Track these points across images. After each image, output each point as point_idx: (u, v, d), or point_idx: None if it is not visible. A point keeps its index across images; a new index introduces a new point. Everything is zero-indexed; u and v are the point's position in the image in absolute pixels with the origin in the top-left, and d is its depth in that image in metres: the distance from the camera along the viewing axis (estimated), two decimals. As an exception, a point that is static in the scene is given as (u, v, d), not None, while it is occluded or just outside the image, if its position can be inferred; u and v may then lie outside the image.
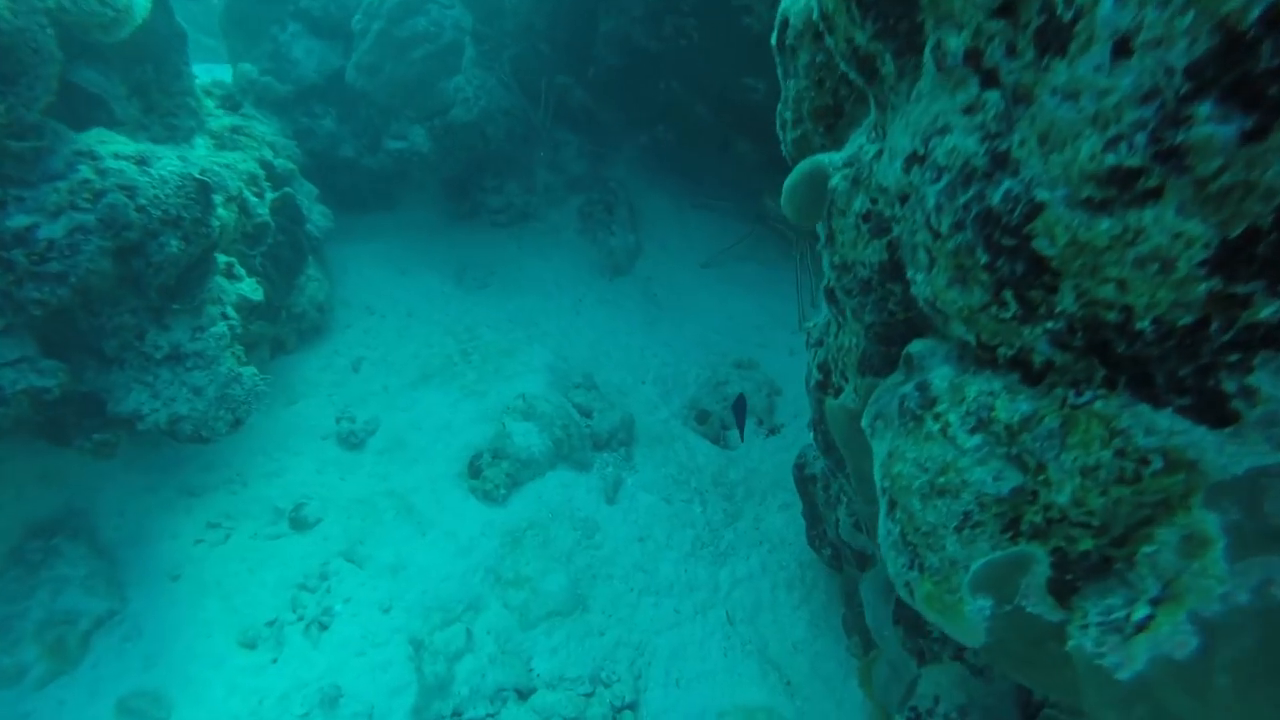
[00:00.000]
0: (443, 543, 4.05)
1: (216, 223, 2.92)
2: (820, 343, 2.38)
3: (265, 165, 4.24)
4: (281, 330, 4.32)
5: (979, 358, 1.50)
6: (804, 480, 3.80)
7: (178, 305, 2.98)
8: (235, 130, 4.26)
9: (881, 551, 1.67)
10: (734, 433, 5.17)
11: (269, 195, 4.04)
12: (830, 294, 2.13)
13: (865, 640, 3.65)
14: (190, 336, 3.06)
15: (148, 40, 3.75)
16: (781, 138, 2.46)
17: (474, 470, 4.35)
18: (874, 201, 1.77)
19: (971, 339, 1.48)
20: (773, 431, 5.20)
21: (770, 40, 2.53)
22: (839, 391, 2.24)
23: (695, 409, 5.22)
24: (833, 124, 2.23)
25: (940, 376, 1.55)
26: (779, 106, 2.45)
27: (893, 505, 1.60)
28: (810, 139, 2.27)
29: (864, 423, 1.79)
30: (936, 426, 1.50)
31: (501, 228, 6.15)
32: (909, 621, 2.78)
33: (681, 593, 4.20)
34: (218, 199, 3.06)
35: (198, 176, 2.82)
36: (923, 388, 1.57)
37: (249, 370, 3.26)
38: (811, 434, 2.86)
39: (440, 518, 4.15)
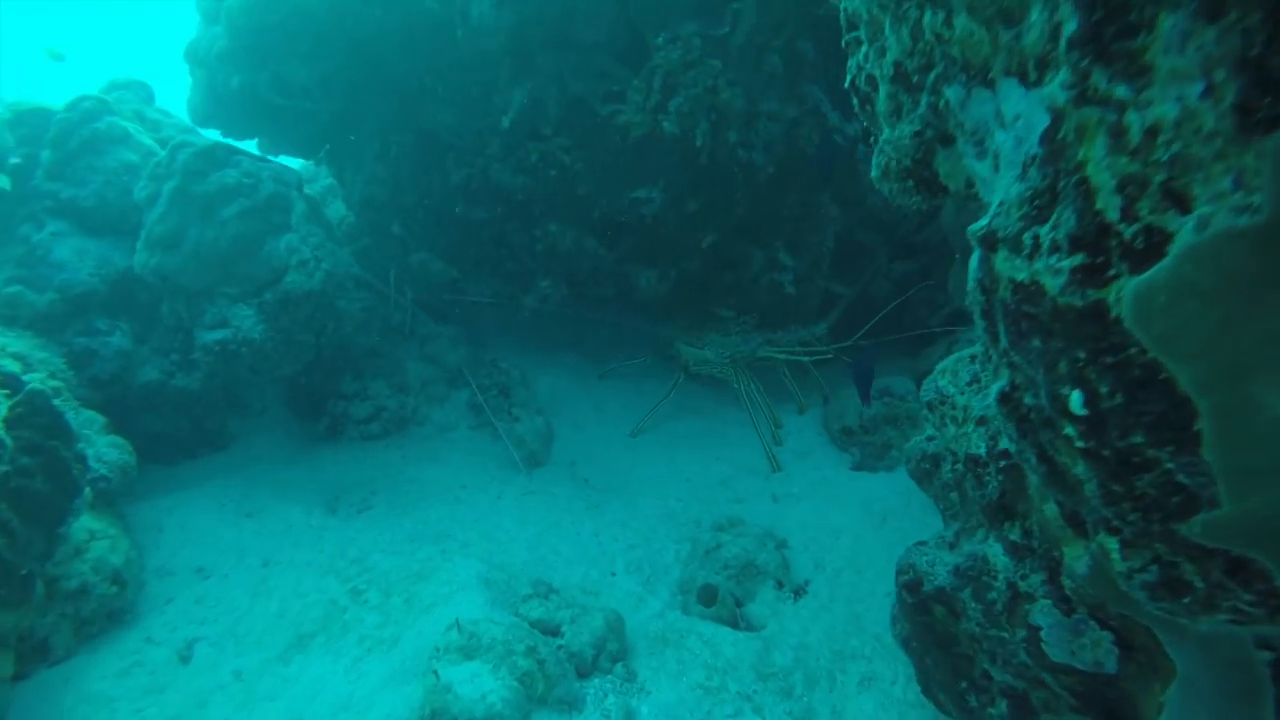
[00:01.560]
0: None
1: None
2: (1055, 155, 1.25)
3: (3, 376, 2.82)
4: (40, 621, 2.66)
5: None
6: (923, 606, 2.46)
7: None
8: (-47, 338, 2.87)
9: None
10: (755, 607, 3.75)
11: (2, 404, 2.60)
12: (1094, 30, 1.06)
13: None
14: None
15: None
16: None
17: (403, 762, 2.65)
18: None
19: None
20: (800, 593, 3.83)
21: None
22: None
23: (693, 589, 3.79)
24: None
25: None
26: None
27: None
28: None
29: None
30: None
31: (376, 440, 4.77)
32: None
33: None
34: None
35: None
36: None
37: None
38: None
39: None
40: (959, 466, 2.29)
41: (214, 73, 4.83)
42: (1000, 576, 2.12)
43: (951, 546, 2.43)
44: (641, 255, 4.98)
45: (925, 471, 2.80)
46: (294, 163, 8.04)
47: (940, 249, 5.74)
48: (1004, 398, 1.56)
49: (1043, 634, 1.97)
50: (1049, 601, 1.95)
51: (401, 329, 5.41)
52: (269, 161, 3.91)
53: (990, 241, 1.39)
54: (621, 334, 6.53)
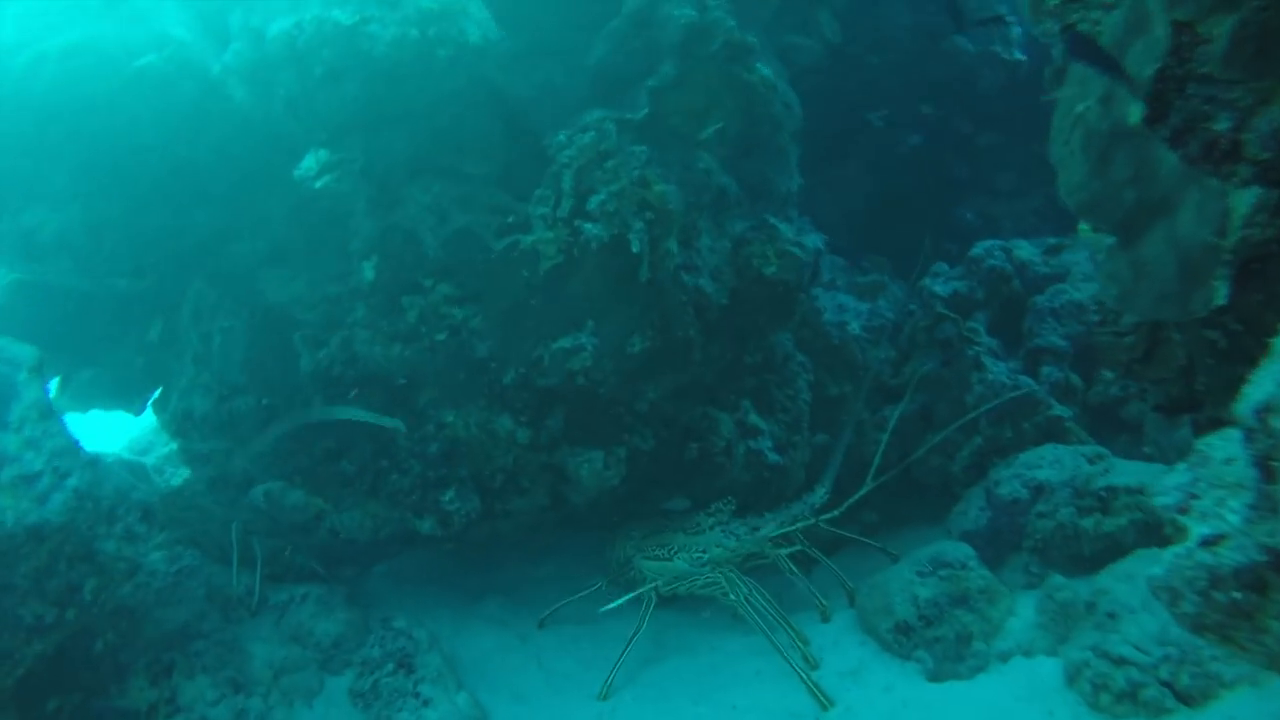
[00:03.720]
0: None
1: None
2: None
3: None
4: None
5: None
6: None
7: None
8: None
9: None
10: None
11: None
12: None
13: None
14: None
15: None
16: None
17: None
18: None
19: None
20: None
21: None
22: None
23: None
24: None
25: None
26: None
27: None
28: None
29: None
30: None
31: (191, 784, 2.91)
32: None
33: None
34: None
35: None
36: None
37: None
38: None
39: None
40: None
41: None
42: None
43: None
44: (577, 433, 3.66)
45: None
46: (122, 434, 6.53)
47: (934, 384, 4.71)
48: None
49: None
50: None
51: (246, 601, 3.72)
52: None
53: None
54: (560, 565, 4.97)
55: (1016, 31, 5.51)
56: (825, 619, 3.98)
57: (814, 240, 4.07)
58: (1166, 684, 2.69)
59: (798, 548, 3.98)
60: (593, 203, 3.08)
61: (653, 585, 4.04)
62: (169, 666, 3.03)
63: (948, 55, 5.76)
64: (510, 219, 3.40)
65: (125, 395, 4.66)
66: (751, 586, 3.79)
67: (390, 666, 3.47)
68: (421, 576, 4.88)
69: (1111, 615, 3.00)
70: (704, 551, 3.91)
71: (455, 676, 3.61)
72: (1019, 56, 5.53)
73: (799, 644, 3.60)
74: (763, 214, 4.05)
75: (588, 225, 3.08)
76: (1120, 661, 2.79)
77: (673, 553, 4.01)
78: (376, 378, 3.55)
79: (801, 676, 3.35)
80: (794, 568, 4.04)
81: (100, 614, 2.63)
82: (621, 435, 3.69)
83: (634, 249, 3.12)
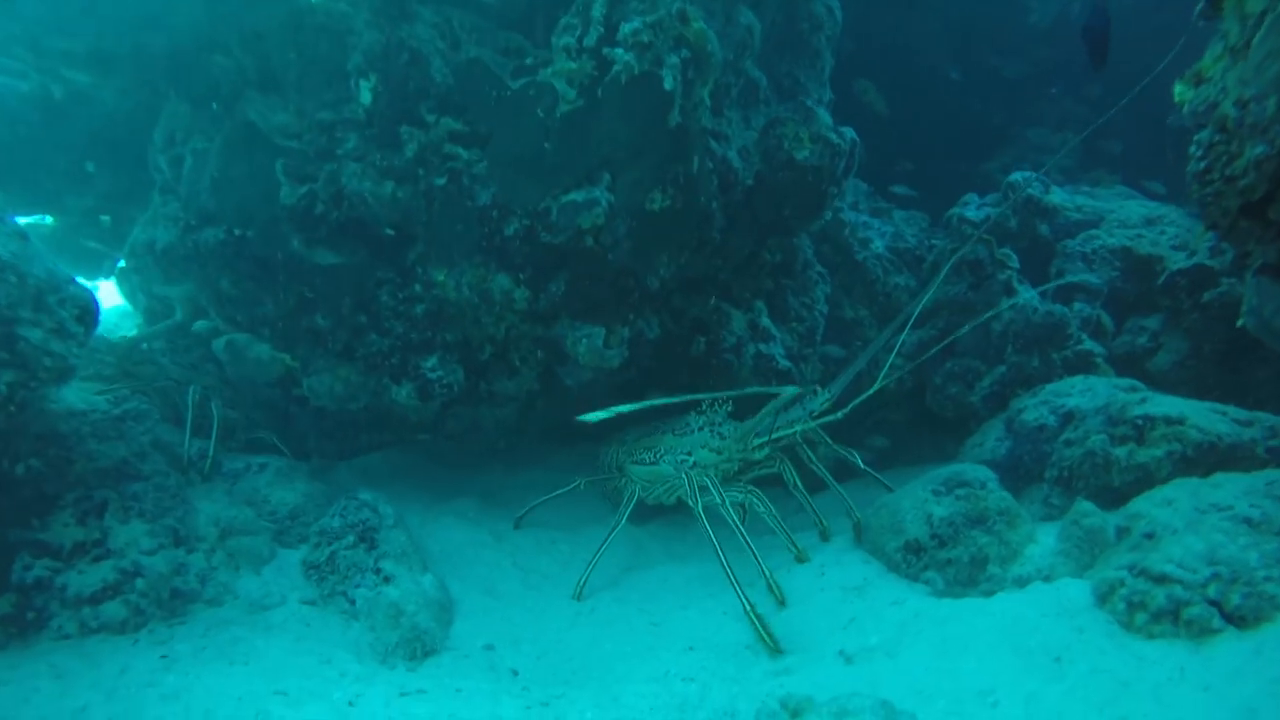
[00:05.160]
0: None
1: None
2: None
3: None
4: None
5: None
6: None
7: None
8: None
9: None
10: None
11: None
12: None
13: None
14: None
15: None
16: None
17: None
18: None
19: None
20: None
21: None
22: None
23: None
24: None
25: None
26: None
27: None
28: None
29: None
30: None
31: (115, 633, 2.56)
32: None
33: None
34: None
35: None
36: None
37: None
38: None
39: None
40: None
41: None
42: None
43: None
44: (578, 304, 3.32)
45: None
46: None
47: (959, 308, 4.41)
48: None
49: None
50: None
51: (198, 465, 3.36)
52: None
53: None
54: (541, 474, 4.65)
55: (1077, -44, 5.19)
56: (825, 539, 3.70)
57: (851, 133, 3.72)
58: (1214, 603, 2.40)
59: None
60: (625, 30, 2.73)
61: (636, 490, 3.72)
62: (101, 505, 2.67)
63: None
64: (529, 60, 3.05)
65: (89, 256, 4.31)
66: (747, 495, 3.47)
67: (350, 539, 3.13)
68: (392, 474, 4.55)
69: (1150, 536, 2.72)
70: (689, 454, 3.59)
71: (421, 558, 3.28)
72: (1075, -13, 5.22)
73: (767, 573, 3.23)
74: (800, 98, 3.72)
75: (618, 52, 2.72)
76: (1161, 579, 2.50)
77: (659, 456, 3.70)
78: (362, 223, 3.19)
79: (767, 580, 3.03)
80: (798, 481, 3.73)
81: (22, 429, 2.26)
82: (627, 314, 3.36)
83: (666, 86, 2.78)
